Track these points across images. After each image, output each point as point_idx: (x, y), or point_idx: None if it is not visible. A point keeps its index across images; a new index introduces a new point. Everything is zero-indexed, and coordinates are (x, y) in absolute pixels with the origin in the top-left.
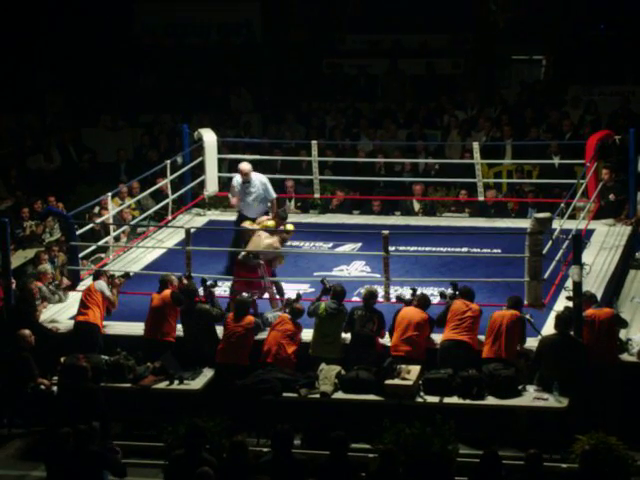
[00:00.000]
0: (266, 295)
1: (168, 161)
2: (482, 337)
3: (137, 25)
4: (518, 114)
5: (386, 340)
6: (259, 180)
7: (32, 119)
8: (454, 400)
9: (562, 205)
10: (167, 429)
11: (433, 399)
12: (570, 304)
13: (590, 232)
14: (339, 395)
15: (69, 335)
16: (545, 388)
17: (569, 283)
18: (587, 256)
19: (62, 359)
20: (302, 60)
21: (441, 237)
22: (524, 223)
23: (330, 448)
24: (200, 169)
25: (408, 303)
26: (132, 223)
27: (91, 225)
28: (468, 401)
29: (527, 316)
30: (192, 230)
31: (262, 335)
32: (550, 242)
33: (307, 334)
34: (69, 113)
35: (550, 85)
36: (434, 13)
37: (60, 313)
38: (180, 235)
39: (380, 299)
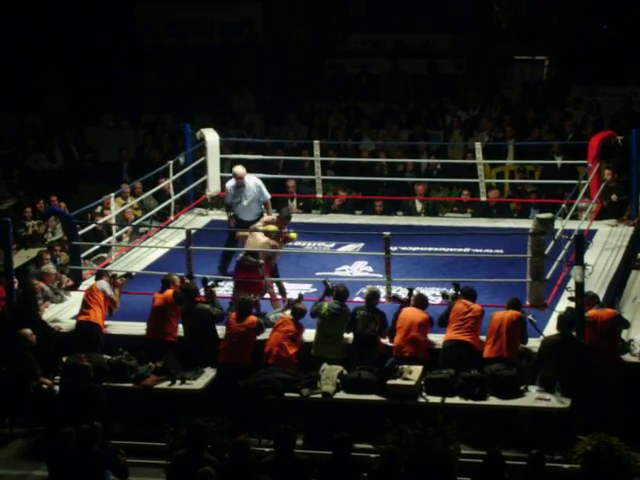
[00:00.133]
0: (267, 295)
1: (171, 161)
2: (484, 337)
3: (139, 25)
4: (520, 114)
5: (387, 340)
6: (253, 183)
7: (34, 119)
8: (456, 400)
9: (564, 205)
10: (169, 429)
11: (435, 399)
12: (572, 305)
13: (592, 233)
14: (341, 395)
15: (71, 335)
16: (547, 389)
17: (571, 284)
18: (589, 257)
19: (64, 359)
20: (304, 60)
21: (443, 237)
22: (526, 223)
23: (334, 448)
24: (202, 169)
25: (405, 303)
26: (134, 223)
27: (93, 225)
28: (470, 401)
29: (529, 317)
30: (193, 231)
31: (264, 336)
32: (552, 242)
33: (309, 334)
34: (71, 113)
35: (552, 85)
36: (436, 13)
37: (62, 313)
38: (182, 235)
39: (382, 299)
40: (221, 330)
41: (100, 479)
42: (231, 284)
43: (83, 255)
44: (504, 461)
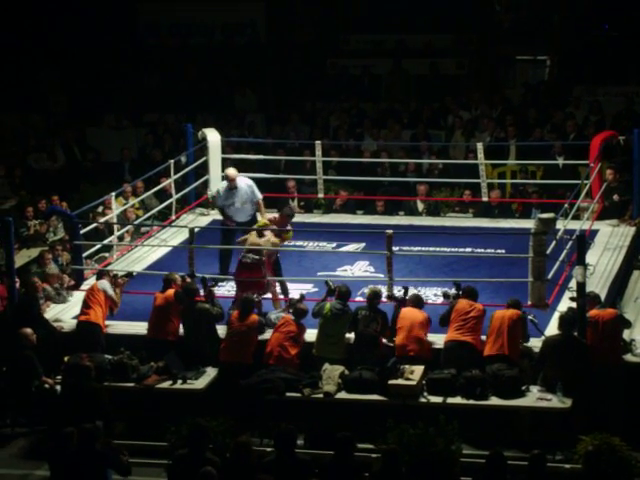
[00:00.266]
0: (269, 294)
1: (172, 161)
2: (484, 337)
3: (141, 25)
4: (522, 114)
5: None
6: (245, 184)
7: (36, 119)
8: (458, 400)
9: (566, 205)
10: (170, 429)
11: (437, 399)
12: (574, 305)
13: (594, 232)
14: (342, 395)
15: (72, 335)
16: (549, 389)
17: (573, 283)
18: (591, 256)
19: (65, 358)
20: (306, 60)
21: (445, 237)
22: (528, 223)
23: (336, 448)
24: (204, 169)
25: (401, 302)
26: (136, 222)
27: (95, 224)
28: (471, 401)
29: (530, 317)
30: (197, 229)
31: (265, 336)
32: (554, 242)
33: (311, 334)
34: (73, 113)
35: (554, 86)
36: (438, 13)
37: (63, 312)
38: (184, 234)
39: (384, 299)
40: (223, 329)
41: (102, 478)
42: (233, 284)
43: (85, 254)
44: (506, 462)
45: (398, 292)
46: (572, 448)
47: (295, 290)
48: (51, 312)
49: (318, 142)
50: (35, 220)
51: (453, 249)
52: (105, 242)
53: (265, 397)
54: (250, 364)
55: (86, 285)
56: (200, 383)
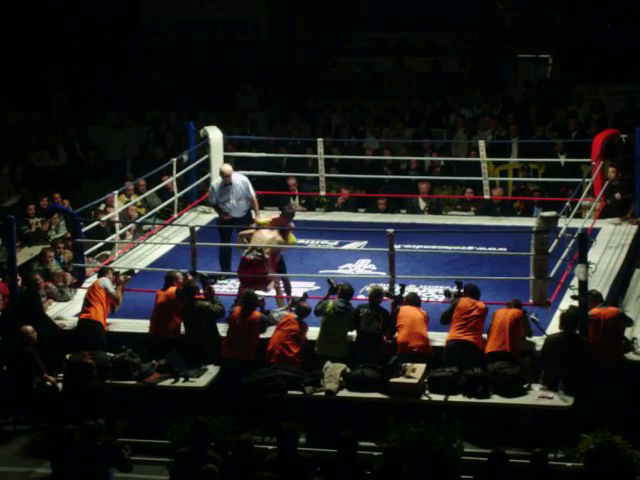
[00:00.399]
0: (272, 292)
1: (174, 159)
2: (485, 335)
3: (143, 23)
4: (524, 113)
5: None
6: (240, 180)
7: (38, 116)
8: (459, 398)
9: (568, 204)
10: (172, 427)
11: (438, 397)
12: (575, 303)
13: (596, 231)
14: (344, 393)
15: (73, 332)
16: (550, 387)
17: (575, 282)
18: (593, 255)
19: (67, 356)
20: (308, 58)
21: (447, 235)
22: (530, 221)
23: (338, 446)
24: (206, 167)
25: (398, 300)
26: (138, 221)
27: (97, 222)
28: (473, 400)
29: (532, 316)
30: (197, 228)
31: (267, 334)
32: (556, 241)
33: (313, 332)
34: (75, 110)
35: (556, 84)
36: (440, 11)
37: (65, 310)
38: (186, 232)
39: (385, 297)
40: (223, 327)
41: (103, 476)
42: (234, 281)
43: (86, 252)
44: (508, 460)
45: (396, 290)
46: (574, 446)
47: (297, 288)
48: (53, 310)
49: (320, 140)
50: (37, 218)
51: (455, 247)
52: (107, 240)
53: (267, 395)
54: (252, 361)
55: (88, 283)
56: (202, 381)
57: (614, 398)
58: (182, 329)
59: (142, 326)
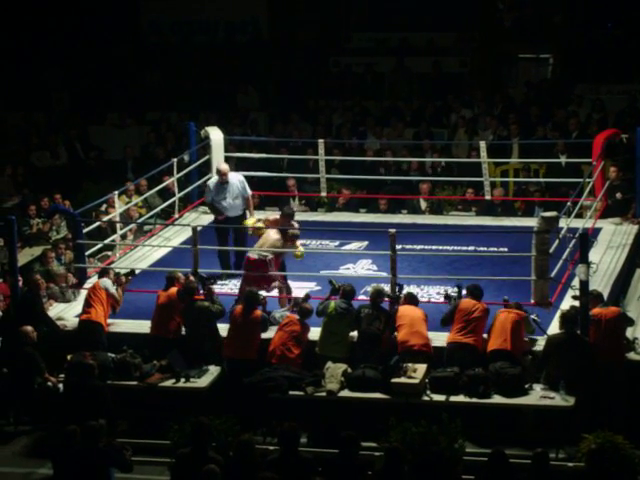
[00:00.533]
0: (275, 292)
1: (175, 159)
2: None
3: (144, 23)
4: (525, 113)
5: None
6: (237, 179)
7: (39, 117)
8: (460, 399)
9: (569, 204)
10: (173, 427)
11: (439, 397)
12: (577, 303)
13: (597, 231)
14: (345, 393)
15: (74, 333)
16: (551, 387)
17: (576, 282)
18: (594, 255)
19: (69, 357)
20: (309, 58)
21: (448, 236)
22: (531, 222)
23: (341, 447)
24: (207, 167)
25: (396, 300)
26: (139, 221)
27: (98, 223)
28: (474, 400)
29: (533, 316)
30: (199, 228)
31: (268, 334)
32: (557, 241)
33: (314, 333)
34: (76, 111)
35: (557, 84)
36: (441, 11)
37: (66, 311)
38: (187, 233)
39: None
40: (222, 327)
41: (105, 477)
42: (235, 282)
43: (87, 253)
44: (508, 460)
45: (395, 290)
46: (575, 446)
47: (298, 288)
48: (54, 310)
49: (321, 140)
50: (38, 218)
51: (456, 247)
52: (108, 241)
53: (268, 395)
54: (254, 359)
55: (89, 283)
56: (203, 381)
57: (615, 398)
58: (183, 330)
59: (143, 327)
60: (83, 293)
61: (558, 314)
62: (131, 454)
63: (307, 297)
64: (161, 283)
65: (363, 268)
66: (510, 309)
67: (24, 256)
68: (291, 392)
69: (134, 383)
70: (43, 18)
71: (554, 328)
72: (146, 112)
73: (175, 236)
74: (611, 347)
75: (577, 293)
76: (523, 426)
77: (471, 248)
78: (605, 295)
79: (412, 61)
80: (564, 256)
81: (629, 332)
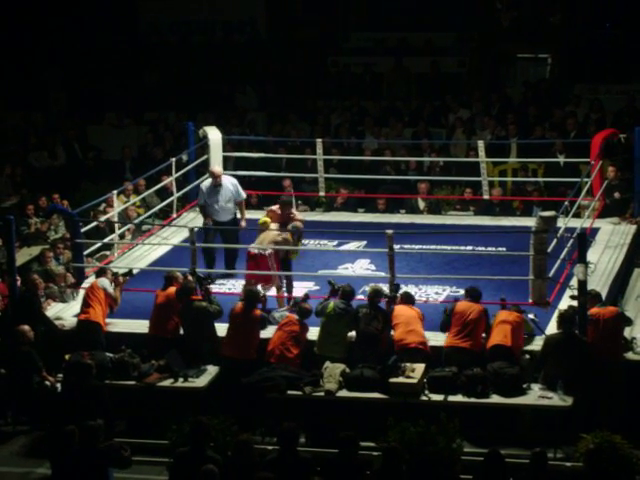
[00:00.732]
0: (273, 291)
1: (173, 159)
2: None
3: (142, 23)
4: (523, 113)
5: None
6: (230, 182)
7: (37, 117)
8: (459, 398)
9: (567, 203)
10: (172, 427)
11: (438, 397)
12: (575, 303)
13: (595, 230)
14: (344, 393)
15: (72, 333)
16: (550, 387)
17: (574, 282)
18: (592, 254)
19: (67, 357)
20: (307, 58)
21: (446, 235)
22: (529, 221)
23: (339, 447)
24: (205, 167)
25: (392, 299)
26: (137, 221)
27: (96, 223)
28: (473, 399)
29: (531, 316)
30: (196, 229)
31: (267, 334)
32: (555, 240)
33: (313, 332)
34: (74, 111)
35: (555, 83)
36: (439, 11)
37: (64, 311)
38: (184, 233)
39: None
40: (219, 326)
41: (103, 477)
42: (234, 282)
43: (86, 253)
44: (504, 460)
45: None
46: (573, 446)
47: (296, 288)
48: (52, 310)
49: (319, 140)
50: (36, 218)
51: (454, 247)
52: (106, 240)
53: (266, 395)
54: (253, 359)
55: (87, 283)
56: (201, 381)
57: (613, 398)
58: (182, 329)
59: (141, 326)
60: (81, 293)
61: (556, 314)
62: (129, 454)
63: (306, 297)
64: (159, 283)
65: (361, 268)
66: (510, 311)
67: (22, 256)
68: (289, 392)
69: (132, 383)
70: (41, 18)
71: (552, 328)
72: (144, 112)
73: (173, 236)
74: (609, 347)
75: (575, 293)
76: (521, 426)
77: (469, 248)
78: (603, 295)
79: (410, 61)
80: (562, 256)
81: (627, 332)
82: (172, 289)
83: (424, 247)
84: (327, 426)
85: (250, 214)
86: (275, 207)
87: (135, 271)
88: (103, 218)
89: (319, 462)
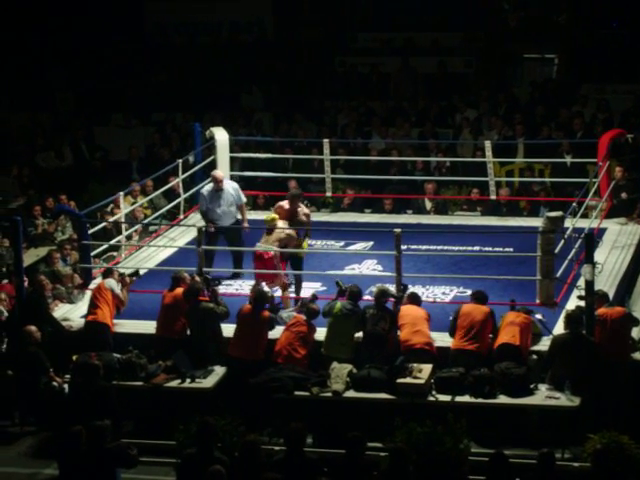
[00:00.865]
0: (278, 291)
1: (180, 160)
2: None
3: (148, 24)
4: (530, 113)
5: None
6: (231, 187)
7: (44, 117)
8: (466, 399)
9: (574, 204)
10: (179, 427)
11: (445, 398)
12: (582, 303)
13: (602, 231)
14: (351, 394)
15: (80, 334)
16: (557, 387)
17: (581, 282)
18: (599, 255)
19: (74, 357)
20: (314, 58)
21: (453, 236)
22: (536, 222)
23: (347, 448)
24: (212, 168)
25: (399, 299)
26: (144, 222)
27: (103, 224)
28: (480, 400)
29: (538, 316)
30: (204, 229)
31: (275, 334)
32: (562, 241)
33: (320, 333)
34: (81, 111)
35: (562, 84)
36: (446, 11)
37: (72, 311)
38: (192, 234)
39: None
40: (226, 327)
41: (110, 477)
42: (241, 282)
43: (93, 254)
44: (509, 462)
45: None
46: (580, 446)
47: (304, 288)
48: (60, 311)
49: (326, 140)
50: (43, 219)
51: (461, 247)
52: (113, 242)
53: (273, 396)
54: (261, 360)
55: (94, 284)
56: (208, 382)
57: (621, 398)
58: (189, 330)
59: (149, 327)
60: (88, 294)
61: (563, 314)
62: (136, 453)
63: (314, 297)
64: (166, 283)
65: (368, 268)
66: (518, 312)
67: (29, 257)
68: (296, 392)
69: (139, 383)
70: (49, 19)
71: (559, 328)
72: (151, 113)
73: (180, 237)
74: (616, 347)
75: (582, 293)
76: (528, 426)
77: (476, 248)
78: (610, 295)
79: (417, 61)
80: (569, 256)
81: (635, 332)
82: (179, 290)
83: (431, 247)
84: (334, 427)
85: (257, 215)
86: (283, 202)
87: (142, 272)
88: (110, 219)
89: (326, 463)
